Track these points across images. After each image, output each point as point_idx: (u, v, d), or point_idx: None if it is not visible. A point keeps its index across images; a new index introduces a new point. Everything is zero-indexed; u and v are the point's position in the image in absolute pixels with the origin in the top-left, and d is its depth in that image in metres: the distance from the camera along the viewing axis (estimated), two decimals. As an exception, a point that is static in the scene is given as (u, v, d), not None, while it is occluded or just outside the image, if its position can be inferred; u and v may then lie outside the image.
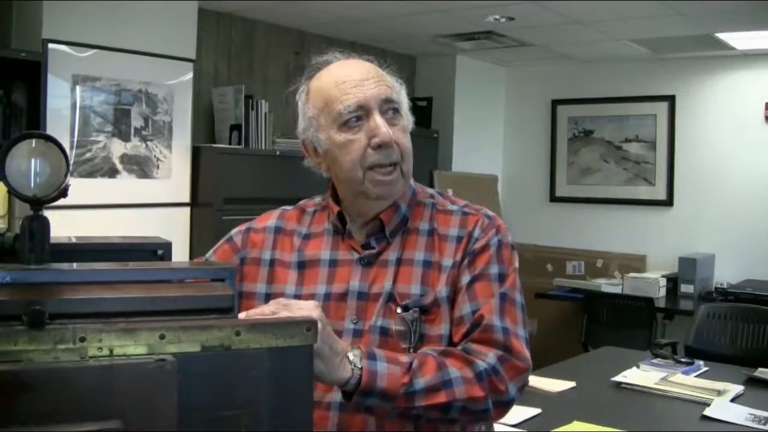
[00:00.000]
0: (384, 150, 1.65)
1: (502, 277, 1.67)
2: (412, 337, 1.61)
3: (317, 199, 1.87)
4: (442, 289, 1.65)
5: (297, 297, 1.69)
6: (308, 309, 1.38)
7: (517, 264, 1.74)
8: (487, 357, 1.56)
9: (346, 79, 1.66)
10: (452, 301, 1.65)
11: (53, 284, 0.98)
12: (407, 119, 1.75)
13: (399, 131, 1.69)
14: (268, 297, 1.72)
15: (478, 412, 1.56)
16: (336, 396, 1.58)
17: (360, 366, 1.45)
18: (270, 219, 1.85)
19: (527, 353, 1.62)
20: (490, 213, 1.78)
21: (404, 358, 1.52)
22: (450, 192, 1.88)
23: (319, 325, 1.32)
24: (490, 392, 1.54)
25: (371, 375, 1.45)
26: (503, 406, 1.59)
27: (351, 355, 1.46)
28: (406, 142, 1.71)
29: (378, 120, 1.64)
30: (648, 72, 6.82)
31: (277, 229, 1.82)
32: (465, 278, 1.66)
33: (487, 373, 1.54)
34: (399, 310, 1.63)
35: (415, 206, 1.77)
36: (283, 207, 1.89)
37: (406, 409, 1.49)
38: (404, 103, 1.74)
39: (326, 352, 1.39)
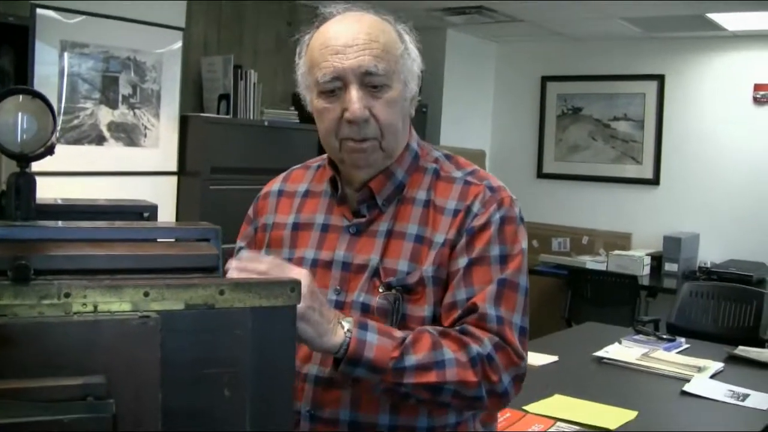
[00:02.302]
0: (355, 126, 1.54)
1: (504, 259, 1.57)
2: (394, 317, 1.54)
3: (325, 154, 1.76)
4: (428, 269, 1.56)
5: (288, 259, 1.65)
6: (298, 274, 1.34)
7: (524, 243, 1.62)
8: (483, 342, 1.49)
9: (330, 42, 1.55)
10: (439, 282, 1.56)
11: (39, 240, 0.98)
12: (403, 89, 1.60)
13: (381, 104, 1.56)
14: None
15: (471, 399, 1.49)
16: (313, 369, 1.56)
17: (349, 330, 1.41)
18: (275, 182, 1.83)
19: (519, 346, 1.54)
20: (495, 183, 1.65)
21: (398, 333, 1.47)
22: None
23: (307, 290, 1.33)
24: (483, 379, 1.47)
25: (359, 344, 1.41)
26: (498, 397, 1.51)
27: (344, 323, 1.42)
28: (389, 116, 1.57)
29: (352, 94, 1.53)
30: (638, 51, 6.82)
31: (279, 192, 1.79)
32: (462, 260, 1.56)
33: (481, 358, 1.47)
34: (381, 288, 1.56)
35: (415, 172, 1.67)
36: (293, 167, 1.85)
37: (394, 385, 1.44)
38: (399, 72, 1.59)
39: (315, 317, 1.36)
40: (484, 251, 1.56)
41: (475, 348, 1.48)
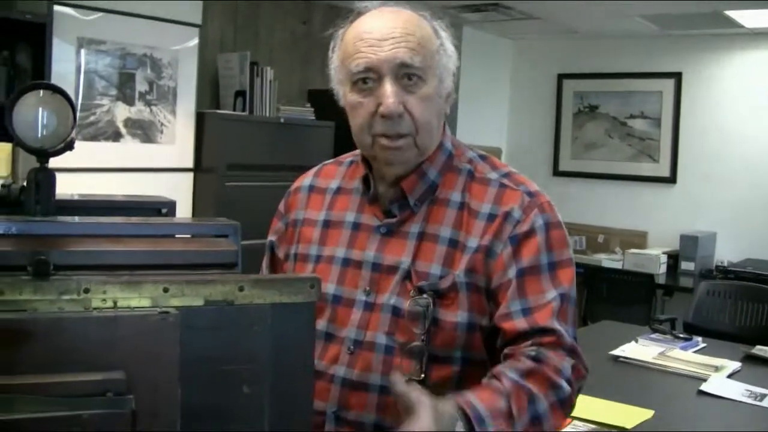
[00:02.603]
0: (389, 121, 1.50)
1: (553, 267, 1.53)
2: (425, 322, 1.50)
3: (356, 150, 1.73)
4: (460, 273, 1.52)
5: (318, 256, 1.64)
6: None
7: (570, 250, 1.59)
8: (562, 367, 1.44)
9: (365, 36, 1.52)
10: (473, 287, 1.52)
11: (58, 236, 0.98)
12: (438, 86, 1.57)
13: (416, 100, 1.52)
14: (295, 257, 1.69)
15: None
16: (341, 370, 1.54)
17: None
18: (306, 177, 1.80)
19: (584, 357, 1.51)
20: (533, 188, 1.60)
21: (502, 402, 1.37)
22: None
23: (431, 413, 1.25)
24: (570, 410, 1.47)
25: None
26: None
27: (459, 424, 1.30)
28: (423, 112, 1.53)
29: (387, 88, 1.49)
30: (655, 48, 6.78)
31: (311, 188, 1.76)
32: (511, 271, 1.50)
33: (568, 397, 1.44)
34: (413, 292, 1.52)
35: (448, 172, 1.62)
36: (325, 162, 1.82)
37: None
38: (434, 67, 1.56)
39: None
40: (534, 260, 1.52)
41: (565, 389, 1.43)
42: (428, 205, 1.60)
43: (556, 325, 1.47)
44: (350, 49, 1.54)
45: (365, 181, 1.66)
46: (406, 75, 1.51)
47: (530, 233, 1.53)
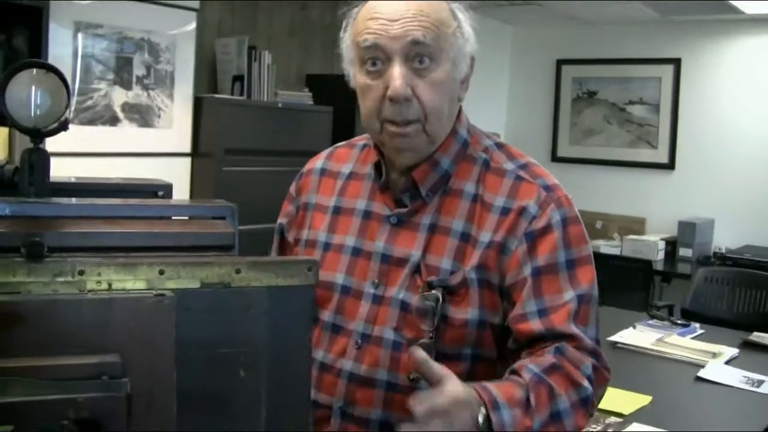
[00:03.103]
0: (396, 105, 1.45)
1: (571, 265, 1.48)
2: (434, 319, 1.46)
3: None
4: (471, 269, 1.47)
5: (327, 244, 1.61)
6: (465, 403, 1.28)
7: (589, 246, 1.54)
8: (584, 366, 1.41)
9: (378, 14, 1.46)
10: (484, 284, 1.48)
11: (53, 218, 0.97)
12: (451, 69, 1.50)
13: (426, 84, 1.46)
14: (306, 243, 1.66)
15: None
16: (348, 364, 1.52)
17: (486, 414, 1.29)
18: (318, 159, 1.76)
19: (606, 359, 1.48)
20: (550, 181, 1.55)
21: (520, 392, 1.34)
22: None
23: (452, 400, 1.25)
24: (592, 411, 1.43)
25: (501, 426, 1.29)
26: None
27: (478, 407, 1.29)
28: (434, 97, 1.47)
29: (395, 69, 1.44)
30: (654, 34, 6.77)
31: (323, 171, 1.72)
32: (527, 269, 1.46)
33: (590, 397, 1.41)
34: (422, 288, 1.49)
35: (463, 161, 1.57)
36: (338, 144, 1.78)
37: None
38: (448, 50, 1.49)
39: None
40: (551, 258, 1.47)
41: (587, 388, 1.41)
42: (441, 195, 1.55)
43: (574, 329, 1.44)
44: (360, 27, 1.49)
45: (377, 167, 1.61)
46: (418, 57, 1.46)
47: (547, 229, 1.48)
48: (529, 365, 1.39)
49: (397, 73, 1.44)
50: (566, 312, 1.44)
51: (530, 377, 1.37)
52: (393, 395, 1.49)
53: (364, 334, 1.53)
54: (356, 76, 1.53)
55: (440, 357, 1.41)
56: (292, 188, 1.77)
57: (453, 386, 1.26)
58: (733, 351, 3.43)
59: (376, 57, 1.47)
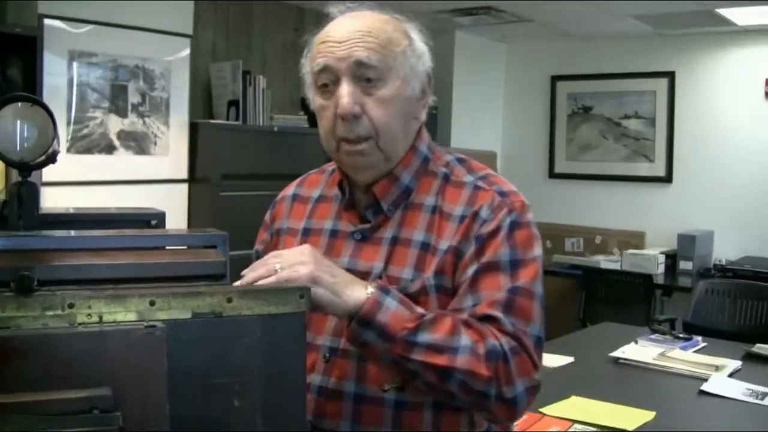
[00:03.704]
0: (347, 123, 1.50)
1: (515, 265, 1.49)
2: None
3: None
4: (430, 276, 1.50)
5: None
6: (299, 249, 1.37)
7: (538, 249, 1.54)
8: (501, 340, 1.42)
9: (327, 39, 1.53)
10: (443, 289, 1.50)
11: (42, 250, 0.96)
12: (401, 87, 1.54)
13: (375, 102, 1.51)
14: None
15: (478, 394, 1.40)
16: (316, 378, 1.53)
17: (371, 292, 1.38)
18: (291, 187, 1.81)
19: (538, 357, 1.47)
20: (507, 188, 1.57)
21: (420, 309, 1.42)
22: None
23: (311, 257, 1.34)
24: (495, 377, 1.39)
25: (376, 305, 1.36)
26: (507, 404, 1.42)
27: (369, 286, 1.39)
28: (383, 114, 1.51)
29: (342, 89, 1.49)
30: (648, 48, 6.78)
31: (294, 197, 1.77)
32: (471, 269, 1.48)
33: (497, 355, 1.40)
34: None
35: (424, 176, 1.61)
36: (311, 171, 1.83)
37: (402, 358, 1.38)
38: (398, 69, 1.53)
39: (326, 278, 1.34)
40: (494, 257, 1.49)
41: (493, 342, 1.41)
42: (403, 209, 1.59)
43: (497, 313, 1.45)
44: (314, 52, 1.56)
45: (341, 187, 1.66)
46: (365, 76, 1.51)
47: (495, 232, 1.51)
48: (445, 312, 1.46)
49: (344, 91, 1.50)
50: (494, 301, 1.46)
51: (440, 313, 1.43)
52: (361, 407, 1.51)
53: (332, 348, 1.55)
54: (314, 99, 1.59)
55: None
56: (267, 216, 1.81)
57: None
58: (736, 363, 3.42)
59: (327, 78, 1.53)
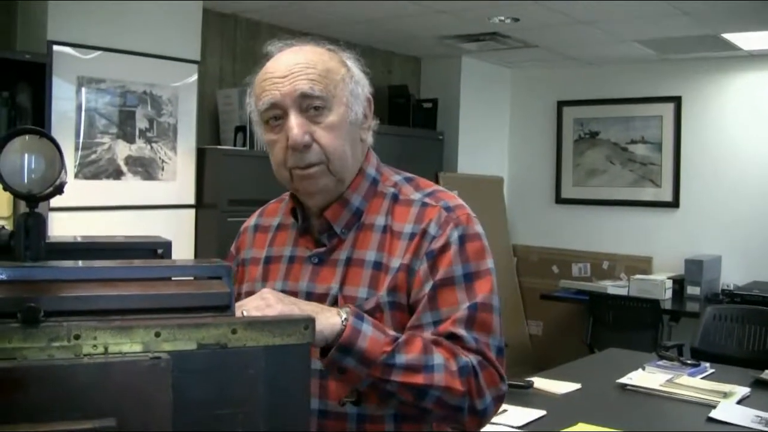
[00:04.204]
0: (298, 153, 1.56)
1: (469, 278, 1.56)
2: None
3: None
4: (384, 294, 1.56)
5: None
6: (261, 298, 1.40)
7: (490, 260, 1.61)
8: (469, 356, 1.50)
9: (269, 75, 1.60)
10: (397, 306, 1.56)
11: (48, 281, 0.97)
12: (345, 112, 1.61)
13: (323, 129, 1.57)
14: (246, 295, 1.70)
15: (452, 408, 1.48)
16: (314, 363, 1.51)
17: (345, 319, 1.41)
18: (253, 217, 1.88)
19: (501, 367, 1.55)
20: (453, 203, 1.63)
21: (391, 331, 1.47)
22: (455, 193, 1.73)
23: (274, 298, 1.39)
24: (467, 391, 1.47)
25: (354, 332, 1.40)
26: (478, 416, 1.51)
27: (341, 311, 1.43)
28: (331, 140, 1.58)
29: (291, 121, 1.55)
30: (654, 73, 6.80)
31: (256, 227, 1.83)
32: (427, 285, 1.54)
33: (468, 370, 1.48)
34: None
35: (373, 197, 1.67)
36: (271, 200, 1.89)
37: (380, 381, 1.43)
38: (340, 96, 1.60)
39: (297, 312, 1.37)
40: (447, 272, 1.55)
41: (464, 360, 1.48)
42: (355, 231, 1.65)
43: (460, 331, 1.51)
44: (258, 90, 1.62)
45: (294, 214, 1.71)
46: (311, 106, 1.57)
47: (446, 247, 1.57)
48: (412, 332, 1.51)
49: (293, 123, 1.56)
50: (454, 319, 1.52)
51: (409, 333, 1.49)
52: (325, 422, 1.56)
53: None
54: (263, 135, 1.65)
55: None
56: (233, 247, 1.87)
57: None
58: (744, 390, 3.40)
59: (274, 113, 1.59)
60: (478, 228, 1.62)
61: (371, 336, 1.42)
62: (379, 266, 1.59)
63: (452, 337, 1.51)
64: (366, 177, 1.69)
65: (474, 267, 1.57)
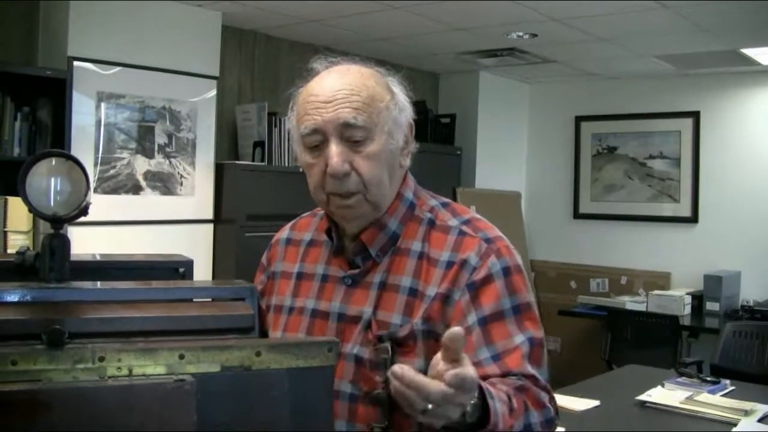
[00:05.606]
0: (337, 180, 1.54)
1: (517, 310, 1.54)
2: (386, 371, 1.44)
3: None
4: (418, 321, 1.53)
5: (291, 308, 1.69)
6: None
7: (530, 292, 1.59)
8: (542, 395, 1.48)
9: (312, 99, 1.57)
10: (431, 335, 1.51)
11: (73, 303, 0.97)
12: (386, 141, 1.58)
13: (363, 158, 1.55)
14: (275, 308, 1.73)
15: None
16: (344, 386, 1.54)
17: (476, 402, 1.30)
18: (284, 230, 1.86)
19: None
20: (491, 233, 1.61)
21: (503, 395, 1.38)
22: (473, 209, 1.72)
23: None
24: None
25: (495, 416, 1.32)
26: None
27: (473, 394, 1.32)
28: (371, 169, 1.55)
29: (332, 148, 1.53)
30: (672, 88, 6.78)
31: (287, 241, 1.82)
32: (471, 317, 1.51)
33: (550, 422, 1.47)
34: (373, 343, 1.54)
35: (410, 222, 1.65)
36: (302, 214, 1.88)
37: None
38: (382, 124, 1.57)
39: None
40: (496, 306, 1.53)
41: (550, 412, 1.48)
42: (391, 255, 1.63)
43: (530, 369, 1.49)
44: (300, 111, 1.60)
45: (329, 233, 1.69)
46: (353, 138, 1.54)
47: (488, 279, 1.54)
48: (499, 384, 1.43)
49: (334, 151, 1.53)
50: (520, 354, 1.50)
51: (507, 389, 1.42)
52: None
53: None
54: (302, 156, 1.62)
55: (394, 407, 1.42)
56: (264, 258, 1.86)
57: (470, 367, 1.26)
58: (765, 408, 3.37)
59: (316, 140, 1.56)
60: (519, 260, 1.61)
61: (502, 413, 1.34)
62: (414, 293, 1.57)
63: (525, 376, 1.48)
64: (404, 201, 1.67)
65: (520, 299, 1.55)
